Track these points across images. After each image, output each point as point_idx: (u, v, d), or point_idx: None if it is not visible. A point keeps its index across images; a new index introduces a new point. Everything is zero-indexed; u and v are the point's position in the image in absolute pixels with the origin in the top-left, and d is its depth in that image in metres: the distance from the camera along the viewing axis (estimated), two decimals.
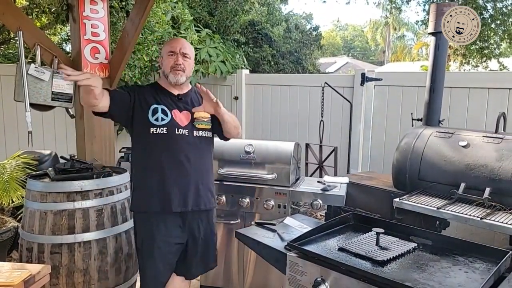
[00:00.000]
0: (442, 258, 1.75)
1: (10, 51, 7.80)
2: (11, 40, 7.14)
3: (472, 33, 2.67)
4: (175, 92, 2.31)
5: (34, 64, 3.03)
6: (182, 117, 2.25)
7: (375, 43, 31.88)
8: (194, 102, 2.35)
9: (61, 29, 7.57)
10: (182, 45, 2.26)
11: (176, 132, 2.20)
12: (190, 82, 2.52)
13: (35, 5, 4.85)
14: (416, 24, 11.25)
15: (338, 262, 1.66)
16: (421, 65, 12.08)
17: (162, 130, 2.18)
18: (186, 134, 2.23)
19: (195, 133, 2.27)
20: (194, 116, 2.28)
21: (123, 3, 4.76)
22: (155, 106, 2.22)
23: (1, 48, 7.54)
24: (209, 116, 2.32)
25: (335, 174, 4.29)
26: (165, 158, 2.19)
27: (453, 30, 2.71)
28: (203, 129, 2.31)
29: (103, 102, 2.06)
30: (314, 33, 10.40)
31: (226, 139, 2.46)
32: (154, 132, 2.18)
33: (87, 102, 2.02)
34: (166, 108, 2.23)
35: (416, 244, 1.85)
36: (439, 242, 1.89)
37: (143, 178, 2.23)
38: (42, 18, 5.80)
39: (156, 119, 2.19)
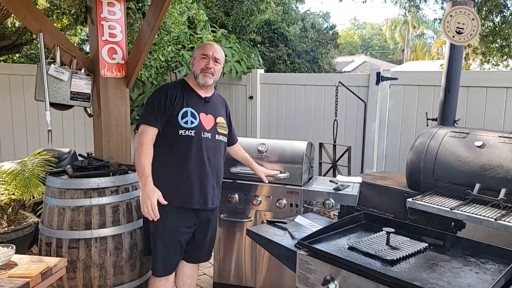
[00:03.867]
0: (453, 259, 1.74)
1: (33, 51, 8.02)
2: (34, 41, 7.34)
3: (472, 33, 2.67)
4: (202, 94, 2.43)
5: (54, 64, 3.12)
6: (207, 121, 2.39)
7: (394, 41, 31.43)
8: (218, 106, 2.51)
9: (81, 30, 7.74)
10: (215, 50, 2.39)
11: (202, 135, 2.35)
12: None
13: (55, 7, 4.98)
14: (435, 22, 11.07)
15: (348, 260, 1.67)
16: (441, 64, 11.88)
17: (190, 132, 2.31)
18: (210, 137, 2.38)
19: (216, 136, 2.43)
20: (217, 121, 2.44)
21: (140, 5, 4.84)
22: (185, 109, 2.32)
23: (24, 49, 7.76)
24: (226, 122, 2.54)
25: (349, 174, 4.28)
26: (190, 158, 2.31)
27: (453, 30, 2.70)
28: (222, 134, 2.47)
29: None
30: (330, 32, 10.35)
31: (231, 144, 2.72)
32: (183, 134, 2.30)
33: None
34: (194, 111, 2.35)
35: (427, 244, 1.84)
36: (451, 243, 1.88)
37: (166, 174, 2.33)
38: (63, 20, 5.95)
39: (186, 122, 2.31)
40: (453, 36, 2.75)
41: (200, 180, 2.35)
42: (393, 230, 1.85)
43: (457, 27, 2.70)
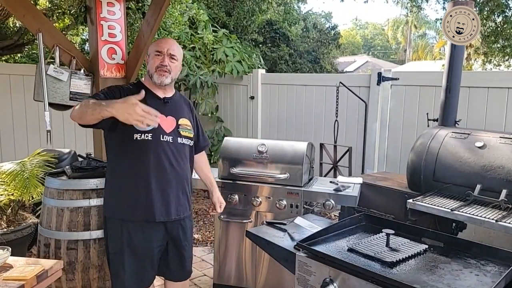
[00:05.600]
0: (453, 261, 1.72)
1: (34, 51, 8.03)
2: (35, 41, 7.34)
3: (472, 33, 2.67)
4: (161, 95, 2.20)
5: (53, 64, 3.11)
6: (167, 123, 2.16)
7: (396, 41, 31.41)
8: (179, 107, 2.28)
9: (83, 30, 7.74)
10: (170, 46, 2.16)
11: (161, 139, 2.11)
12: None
13: (56, 7, 4.99)
14: (436, 22, 11.04)
15: (347, 262, 1.65)
16: (443, 64, 11.84)
17: (147, 136, 2.07)
18: (171, 141, 2.15)
19: (179, 140, 2.19)
20: (179, 123, 2.22)
21: (140, 4, 4.84)
22: None
23: (26, 49, 7.77)
24: (191, 124, 2.30)
25: (350, 174, 4.26)
26: (149, 165, 2.09)
27: (453, 30, 2.69)
28: (186, 137, 2.24)
29: None
30: (332, 32, 10.34)
31: (197, 153, 2.44)
32: (139, 138, 2.07)
33: (89, 120, 1.88)
34: None
35: (427, 246, 1.82)
36: (451, 244, 1.85)
37: (123, 185, 2.12)
38: (65, 19, 5.95)
39: None
40: (453, 36, 2.74)
41: (162, 189, 2.11)
42: (393, 231, 1.83)
43: (457, 27, 2.69)
